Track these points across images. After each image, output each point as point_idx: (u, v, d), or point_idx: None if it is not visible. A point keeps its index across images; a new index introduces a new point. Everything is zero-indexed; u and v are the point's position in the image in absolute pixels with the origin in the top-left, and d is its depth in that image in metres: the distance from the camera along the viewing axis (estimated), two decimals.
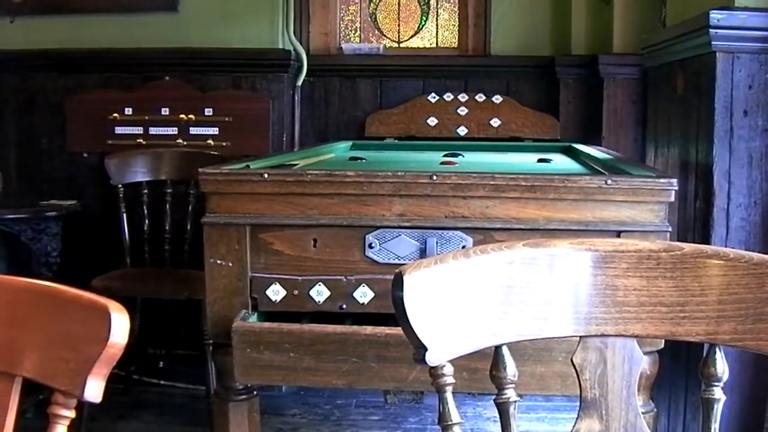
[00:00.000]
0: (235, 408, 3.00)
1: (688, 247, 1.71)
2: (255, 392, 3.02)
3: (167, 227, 5.13)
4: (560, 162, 4.21)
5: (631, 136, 5.18)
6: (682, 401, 3.45)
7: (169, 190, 5.16)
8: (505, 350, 1.62)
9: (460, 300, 1.59)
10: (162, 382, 5.28)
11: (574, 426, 1.65)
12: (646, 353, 2.79)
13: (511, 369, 1.61)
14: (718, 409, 1.65)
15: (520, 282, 1.62)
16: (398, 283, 1.54)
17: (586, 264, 1.65)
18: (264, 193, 2.89)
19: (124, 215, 5.06)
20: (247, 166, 3.10)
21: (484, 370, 1.63)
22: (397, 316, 1.55)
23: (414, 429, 4.55)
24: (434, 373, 1.58)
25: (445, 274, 1.58)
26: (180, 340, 5.31)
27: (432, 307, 1.56)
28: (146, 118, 5.57)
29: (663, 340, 2.80)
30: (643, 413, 2.77)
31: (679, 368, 3.33)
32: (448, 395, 1.58)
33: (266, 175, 2.89)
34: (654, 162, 4.13)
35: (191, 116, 5.51)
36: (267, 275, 2.89)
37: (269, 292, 2.88)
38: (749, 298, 1.63)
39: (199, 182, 2.92)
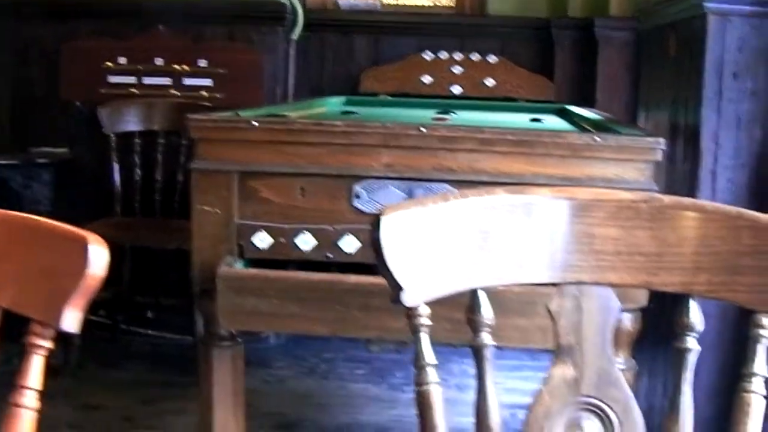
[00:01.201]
0: (219, 354, 3.01)
1: (667, 198, 1.71)
2: (239, 340, 3.04)
3: (158, 177, 5.14)
4: (552, 122, 4.21)
5: (624, 99, 5.18)
6: (662, 362, 3.48)
7: (161, 141, 5.16)
8: (481, 294, 1.63)
9: (438, 243, 1.60)
10: (150, 331, 5.29)
11: (548, 372, 1.66)
12: (627, 311, 2.83)
13: (487, 313, 1.63)
14: (692, 359, 1.66)
15: (498, 228, 1.63)
16: (376, 224, 1.55)
17: (564, 212, 1.65)
18: (253, 140, 2.89)
19: (116, 165, 5.06)
20: (237, 114, 3.10)
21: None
22: (374, 256, 1.56)
23: (399, 383, 4.57)
24: (410, 314, 1.59)
25: (423, 217, 1.59)
26: (169, 290, 5.32)
27: (409, 248, 1.57)
28: (140, 67, 5.55)
29: (645, 299, 2.81)
30: (623, 370, 2.81)
31: (662, 330, 3.35)
32: (424, 336, 1.60)
33: (255, 123, 2.89)
34: (644, 124, 4.14)
35: (185, 67, 5.49)
36: (254, 223, 2.89)
37: (255, 240, 2.88)
38: (725, 250, 1.64)
39: (188, 128, 2.91)
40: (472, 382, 3.83)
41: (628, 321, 2.83)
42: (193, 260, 2.94)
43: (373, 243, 1.55)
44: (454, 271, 1.61)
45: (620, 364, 2.81)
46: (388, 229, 1.54)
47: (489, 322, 1.63)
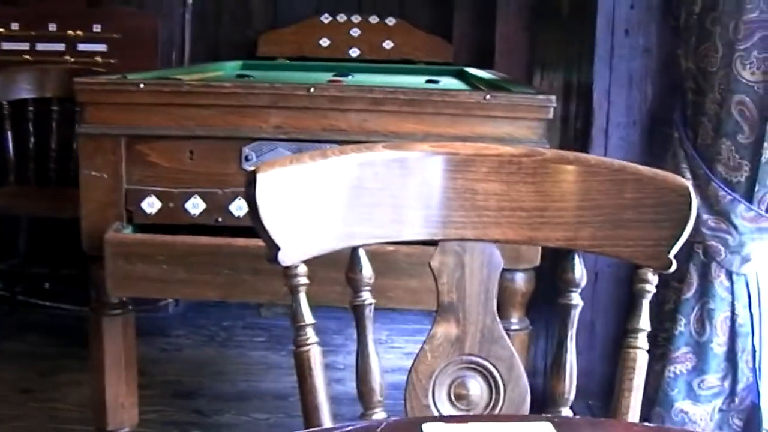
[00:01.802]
0: (109, 323, 2.95)
1: (550, 152, 1.70)
2: (130, 307, 2.98)
3: (53, 145, 5.02)
4: (448, 83, 4.19)
5: (523, 61, 5.18)
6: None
7: (55, 108, 5.04)
8: (361, 252, 1.60)
9: (316, 200, 1.57)
10: (48, 303, 5.19)
11: (430, 330, 1.64)
12: (521, 270, 2.82)
13: (367, 271, 1.60)
14: (576, 314, 1.65)
15: (378, 184, 1.61)
16: (251, 181, 1.51)
17: (446, 167, 1.63)
18: (140, 103, 2.82)
19: (9, 132, 4.94)
20: (124, 77, 3.02)
21: None
22: (249, 215, 1.52)
23: None
24: (288, 273, 1.56)
25: (300, 174, 1.56)
26: (66, 260, 5.21)
27: (286, 206, 1.54)
28: (32, 33, 5.41)
29: (538, 258, 2.81)
30: (517, 330, 2.83)
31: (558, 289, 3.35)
32: (302, 296, 1.57)
33: (142, 85, 2.82)
34: (540, 84, 4.13)
35: (79, 32, 5.37)
36: (142, 187, 2.82)
37: (144, 205, 2.82)
38: (608, 204, 1.63)
39: (75, 92, 2.84)
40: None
41: (521, 281, 2.82)
42: (81, 227, 2.88)
43: (248, 201, 1.52)
44: (332, 229, 1.58)
45: (514, 324, 2.81)
46: (264, 186, 1.51)
47: (369, 281, 1.60)
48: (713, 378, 2.93)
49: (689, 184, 1.61)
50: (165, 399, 3.93)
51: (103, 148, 2.83)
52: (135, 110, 2.84)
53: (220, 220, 2.82)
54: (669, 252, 1.59)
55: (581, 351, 2.59)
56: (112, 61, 5.32)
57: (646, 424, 1.34)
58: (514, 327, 2.77)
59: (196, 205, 2.81)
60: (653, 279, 1.61)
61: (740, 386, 2.92)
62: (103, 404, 3.01)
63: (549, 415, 1.31)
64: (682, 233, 1.59)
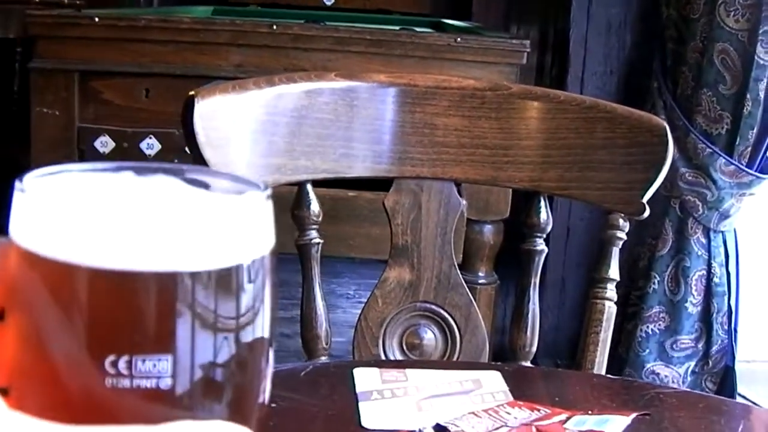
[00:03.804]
0: None
1: (516, 87, 1.59)
2: None
3: (15, 87, 4.88)
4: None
5: (500, 12, 5.05)
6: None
7: (18, 50, 4.90)
8: (309, 188, 1.48)
9: (260, 131, 1.45)
10: None
11: (382, 275, 1.52)
12: (489, 222, 2.71)
13: (314, 208, 1.47)
14: (540, 261, 1.53)
15: (328, 115, 1.49)
16: (189, 106, 1.38)
17: (403, 100, 1.52)
18: (95, 38, 2.71)
19: None
20: (79, 10, 2.90)
21: None
22: (186, 143, 1.40)
23: None
24: None
25: (243, 101, 1.43)
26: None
27: (226, 136, 1.41)
28: None
29: (507, 210, 2.70)
30: (485, 284, 2.72)
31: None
32: None
33: (97, 19, 2.70)
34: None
35: None
36: (96, 126, 2.71)
37: (97, 144, 2.71)
38: (578, 143, 1.52)
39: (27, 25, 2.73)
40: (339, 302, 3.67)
41: (489, 233, 2.71)
42: (32, 166, 2.76)
43: (185, 128, 1.39)
44: (278, 163, 1.46)
45: (481, 277, 2.71)
46: (202, 112, 1.38)
47: (317, 219, 1.47)
48: (687, 339, 2.84)
49: (665, 124, 1.50)
50: None
51: (55, 84, 2.73)
52: (89, 45, 2.73)
53: (176, 161, 2.70)
54: (642, 196, 1.48)
55: (550, 308, 2.50)
56: (77, 1, 5.17)
57: (607, 375, 1.23)
58: (481, 281, 2.67)
59: (151, 146, 2.70)
60: (624, 225, 1.50)
61: (714, 348, 2.84)
62: None
63: (500, 364, 1.20)
64: (657, 176, 1.48)
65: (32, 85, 2.76)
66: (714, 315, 2.82)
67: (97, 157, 2.71)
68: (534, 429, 0.84)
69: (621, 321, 1.45)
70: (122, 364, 0.46)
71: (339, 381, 1.01)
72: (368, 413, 0.93)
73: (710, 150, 2.70)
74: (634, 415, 0.89)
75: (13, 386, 0.51)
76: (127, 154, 2.71)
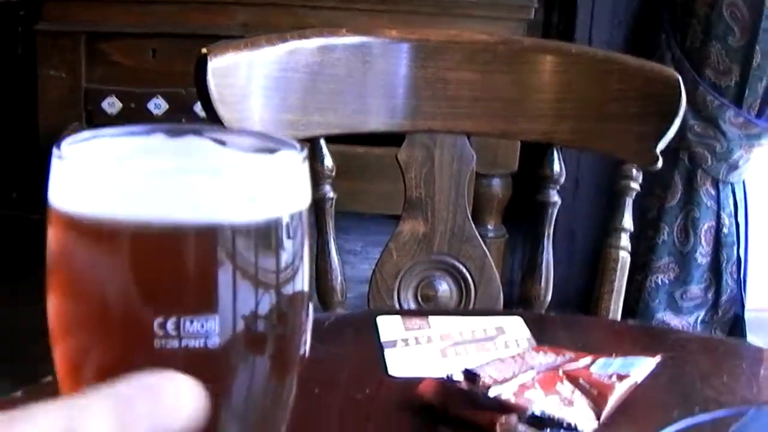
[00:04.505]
0: None
1: (528, 40, 1.60)
2: None
3: (19, 51, 4.87)
4: None
5: None
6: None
7: (21, 13, 4.89)
8: (322, 143, 1.48)
9: (273, 88, 1.45)
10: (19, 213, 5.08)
11: (396, 228, 1.53)
12: (497, 176, 2.72)
13: (328, 163, 1.48)
14: (553, 212, 1.54)
15: (341, 71, 1.49)
16: (202, 65, 1.38)
17: (415, 55, 1.52)
18: None
19: None
20: None
21: None
22: (200, 102, 1.40)
23: None
24: None
25: (255, 59, 1.43)
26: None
27: (239, 93, 1.41)
28: None
29: (516, 163, 2.71)
30: (493, 238, 2.72)
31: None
32: None
33: None
34: None
35: None
36: (103, 87, 2.72)
37: (105, 105, 2.71)
38: (590, 96, 1.52)
39: None
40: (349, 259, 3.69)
41: (498, 186, 2.72)
42: (39, 129, 2.78)
43: (198, 86, 1.39)
44: (291, 119, 1.46)
45: (490, 231, 2.72)
46: (215, 70, 1.38)
47: (330, 174, 1.48)
48: (696, 289, 2.85)
49: (678, 75, 1.50)
50: None
51: (61, 46, 2.74)
52: (95, 7, 2.74)
53: (184, 121, 2.71)
54: (655, 147, 1.48)
55: (560, 261, 2.49)
56: None
57: (628, 321, 1.24)
58: (490, 234, 2.68)
59: (158, 105, 2.70)
60: (637, 176, 1.50)
61: (724, 298, 2.85)
62: None
63: (521, 310, 1.21)
64: (670, 128, 1.48)
65: (39, 47, 2.77)
66: (723, 265, 2.83)
67: (105, 118, 2.72)
68: (561, 372, 0.85)
69: (631, 272, 1.47)
70: (170, 326, 0.47)
71: (362, 330, 1.02)
72: (394, 361, 0.94)
73: (719, 102, 2.70)
74: (659, 357, 0.90)
75: (62, 353, 0.52)
76: (134, 114, 2.71)
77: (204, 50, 1.39)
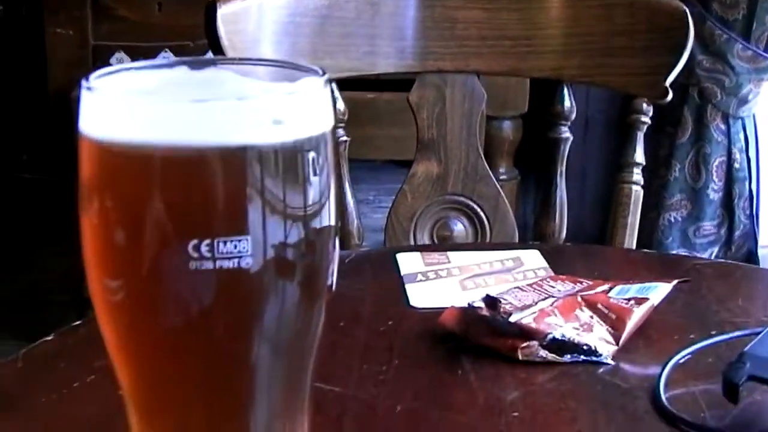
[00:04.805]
0: None
1: None
2: None
3: (24, 13, 4.86)
4: None
5: None
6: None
7: None
8: (333, 87, 1.48)
9: (283, 33, 1.45)
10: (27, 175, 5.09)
11: (411, 169, 1.53)
12: (508, 118, 2.72)
13: (340, 106, 1.49)
14: (565, 149, 1.55)
15: (350, 14, 1.49)
16: (211, 13, 1.38)
17: None
18: None
19: None
20: None
21: None
22: (211, 51, 1.41)
23: None
24: None
25: (264, 5, 1.43)
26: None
27: (249, 40, 1.42)
28: None
29: (525, 105, 2.71)
30: (505, 180, 2.73)
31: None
32: None
33: None
34: None
35: None
36: (110, 43, 2.72)
37: (113, 61, 2.71)
38: (598, 30, 1.52)
39: None
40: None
41: (509, 129, 2.72)
42: (48, 88, 2.78)
43: (208, 34, 1.40)
44: (299, 62, 1.46)
45: (502, 173, 2.73)
46: (225, 17, 1.38)
47: (343, 117, 1.49)
48: (709, 225, 2.85)
49: (684, 7, 1.50)
50: None
51: (67, 3, 2.73)
52: None
53: None
54: (665, 80, 1.48)
55: (572, 202, 2.49)
56: None
57: (643, 250, 1.25)
58: (501, 177, 2.68)
59: (166, 59, 2.70)
60: (648, 109, 1.50)
61: (737, 233, 2.85)
62: (83, 268, 2.94)
63: (538, 243, 1.22)
64: (678, 60, 1.48)
65: (45, 6, 2.77)
66: (735, 201, 2.82)
67: None
68: (579, 298, 0.86)
69: (644, 210, 1.47)
70: (204, 248, 0.48)
71: (383, 266, 1.03)
72: (415, 294, 0.95)
73: (727, 36, 2.68)
74: (675, 282, 0.91)
75: (98, 281, 0.53)
76: None
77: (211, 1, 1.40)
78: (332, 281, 0.56)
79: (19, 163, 5.12)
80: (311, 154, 0.51)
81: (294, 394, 0.56)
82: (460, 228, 1.55)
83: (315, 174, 0.51)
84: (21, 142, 5.12)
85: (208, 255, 0.48)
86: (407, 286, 0.97)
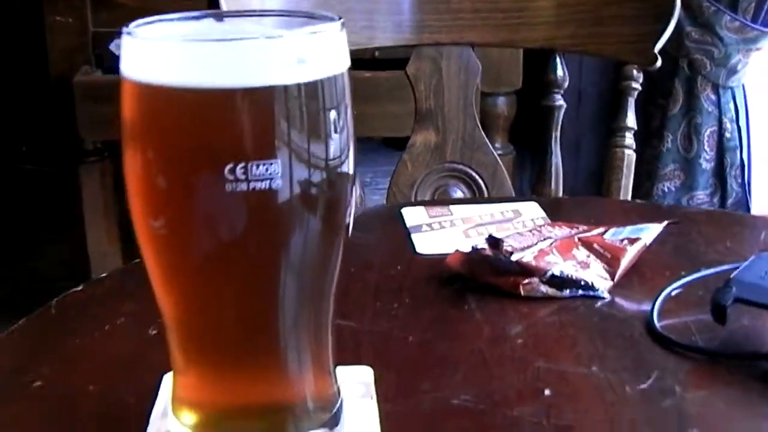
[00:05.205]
0: (86, 171, 2.89)
1: None
2: (106, 153, 2.92)
3: None
4: None
5: None
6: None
7: None
8: None
9: (284, 9, 1.49)
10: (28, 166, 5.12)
11: (409, 140, 1.58)
12: (502, 94, 2.76)
13: None
14: (559, 116, 1.60)
15: None
16: None
17: None
18: None
19: None
20: None
21: None
22: None
23: None
24: None
25: None
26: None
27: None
28: None
29: (519, 81, 2.75)
30: (501, 155, 2.76)
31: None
32: None
33: None
34: None
35: None
36: (110, 30, 2.74)
37: (113, 47, 2.74)
38: (588, 1, 1.56)
39: None
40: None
41: (503, 104, 2.76)
42: (50, 75, 2.81)
43: (209, 6, 1.44)
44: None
45: (498, 149, 2.76)
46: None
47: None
48: (702, 194, 2.90)
49: None
50: None
51: None
52: None
53: None
54: (653, 47, 1.52)
55: (566, 174, 2.54)
56: None
57: (636, 200, 1.30)
58: (497, 152, 2.70)
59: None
60: (638, 76, 1.56)
61: (729, 201, 2.90)
62: (86, 254, 2.97)
63: (535, 196, 1.27)
64: (666, 27, 1.52)
65: None
66: (727, 169, 2.87)
67: (115, 59, 2.76)
68: (576, 239, 0.92)
69: (637, 181, 1.52)
70: (239, 171, 0.54)
71: (389, 220, 1.09)
72: (421, 242, 1.01)
73: (715, 7, 2.72)
74: (665, 222, 0.97)
75: (141, 207, 0.58)
76: None
77: None
78: (350, 222, 0.61)
79: (19, 155, 5.15)
80: (331, 91, 0.57)
81: (319, 315, 0.62)
82: (459, 195, 1.60)
83: (334, 109, 0.57)
84: (21, 134, 5.15)
85: (243, 177, 0.53)
86: (413, 236, 1.02)
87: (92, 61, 2.76)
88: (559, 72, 1.59)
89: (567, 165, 1.79)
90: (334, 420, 0.64)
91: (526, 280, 0.86)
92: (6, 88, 4.79)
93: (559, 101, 1.60)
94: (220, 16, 0.61)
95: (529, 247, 0.88)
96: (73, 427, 0.67)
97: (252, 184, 0.54)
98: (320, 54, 0.56)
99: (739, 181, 2.89)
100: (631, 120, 1.56)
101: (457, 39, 1.58)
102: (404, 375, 0.73)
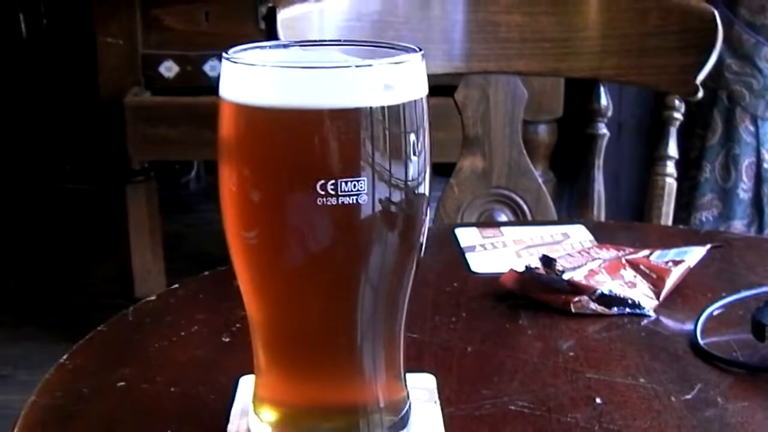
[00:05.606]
0: (132, 190, 2.96)
1: None
2: (152, 174, 2.98)
3: None
4: None
5: None
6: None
7: None
8: None
9: (341, 37, 1.55)
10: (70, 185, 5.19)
11: (457, 165, 1.63)
12: (543, 122, 2.81)
13: None
14: (602, 144, 1.64)
15: (399, 18, 1.58)
16: (270, 17, 1.49)
17: (468, 1, 1.61)
18: None
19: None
20: None
21: None
22: None
23: None
24: None
25: (326, 9, 1.53)
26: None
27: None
28: None
29: (561, 109, 2.79)
30: (542, 182, 2.80)
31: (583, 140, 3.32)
32: None
33: None
34: None
35: None
36: (159, 52, 2.82)
37: (162, 69, 2.82)
38: (632, 32, 1.60)
39: None
40: None
41: (544, 132, 2.81)
42: (100, 95, 2.88)
43: (269, 38, 1.50)
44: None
45: (539, 177, 2.79)
46: (284, 22, 1.48)
47: None
48: (739, 224, 2.93)
49: (713, 9, 1.59)
50: (195, 269, 3.93)
51: (117, 13, 2.82)
52: None
53: None
54: (695, 78, 1.57)
55: (606, 203, 2.58)
56: None
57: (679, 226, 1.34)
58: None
59: (214, 68, 2.80)
60: (680, 106, 1.59)
61: (766, 231, 2.92)
62: (130, 272, 3.04)
63: (583, 220, 1.32)
64: (708, 59, 1.56)
65: (96, 15, 2.86)
66: (765, 200, 2.89)
67: (163, 81, 2.82)
68: (623, 261, 0.97)
69: (675, 211, 1.56)
70: (330, 186, 0.59)
71: (443, 240, 1.14)
72: (475, 261, 1.06)
73: (754, 40, 2.76)
74: (709, 246, 1.02)
75: (236, 219, 0.64)
76: (191, 76, 2.81)
77: (271, 4, 1.50)
78: (423, 243, 0.67)
79: (62, 173, 5.23)
80: (412, 115, 0.62)
81: (393, 324, 0.68)
82: (504, 219, 1.64)
83: (414, 132, 0.62)
84: (64, 153, 5.23)
85: (333, 192, 0.59)
86: (467, 255, 1.08)
87: (142, 82, 2.82)
88: (603, 101, 1.63)
89: (606, 196, 1.84)
90: (403, 422, 0.69)
91: (577, 298, 0.91)
92: (52, 109, 4.88)
93: (603, 130, 1.64)
94: (305, 45, 0.67)
95: (579, 267, 0.94)
96: (160, 423, 0.73)
97: (341, 199, 0.59)
98: (404, 81, 0.62)
99: None
100: (672, 149, 1.60)
101: (505, 68, 1.62)
102: (464, 382, 0.79)
